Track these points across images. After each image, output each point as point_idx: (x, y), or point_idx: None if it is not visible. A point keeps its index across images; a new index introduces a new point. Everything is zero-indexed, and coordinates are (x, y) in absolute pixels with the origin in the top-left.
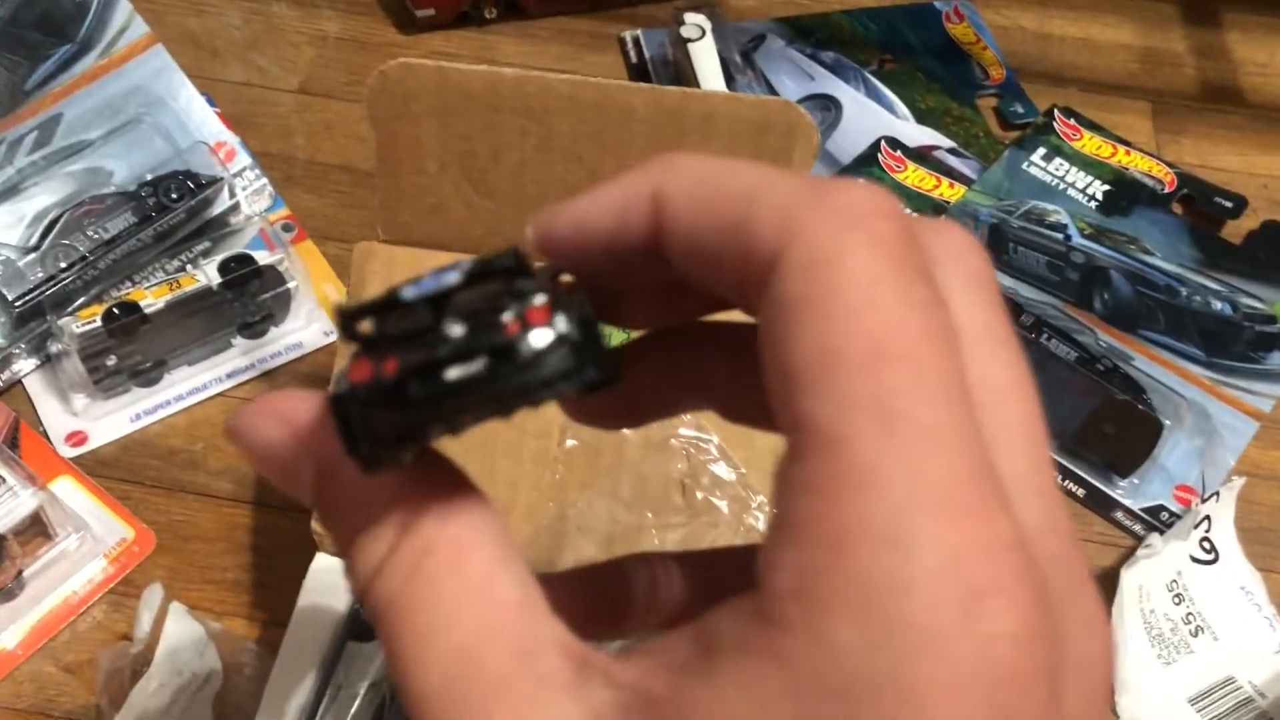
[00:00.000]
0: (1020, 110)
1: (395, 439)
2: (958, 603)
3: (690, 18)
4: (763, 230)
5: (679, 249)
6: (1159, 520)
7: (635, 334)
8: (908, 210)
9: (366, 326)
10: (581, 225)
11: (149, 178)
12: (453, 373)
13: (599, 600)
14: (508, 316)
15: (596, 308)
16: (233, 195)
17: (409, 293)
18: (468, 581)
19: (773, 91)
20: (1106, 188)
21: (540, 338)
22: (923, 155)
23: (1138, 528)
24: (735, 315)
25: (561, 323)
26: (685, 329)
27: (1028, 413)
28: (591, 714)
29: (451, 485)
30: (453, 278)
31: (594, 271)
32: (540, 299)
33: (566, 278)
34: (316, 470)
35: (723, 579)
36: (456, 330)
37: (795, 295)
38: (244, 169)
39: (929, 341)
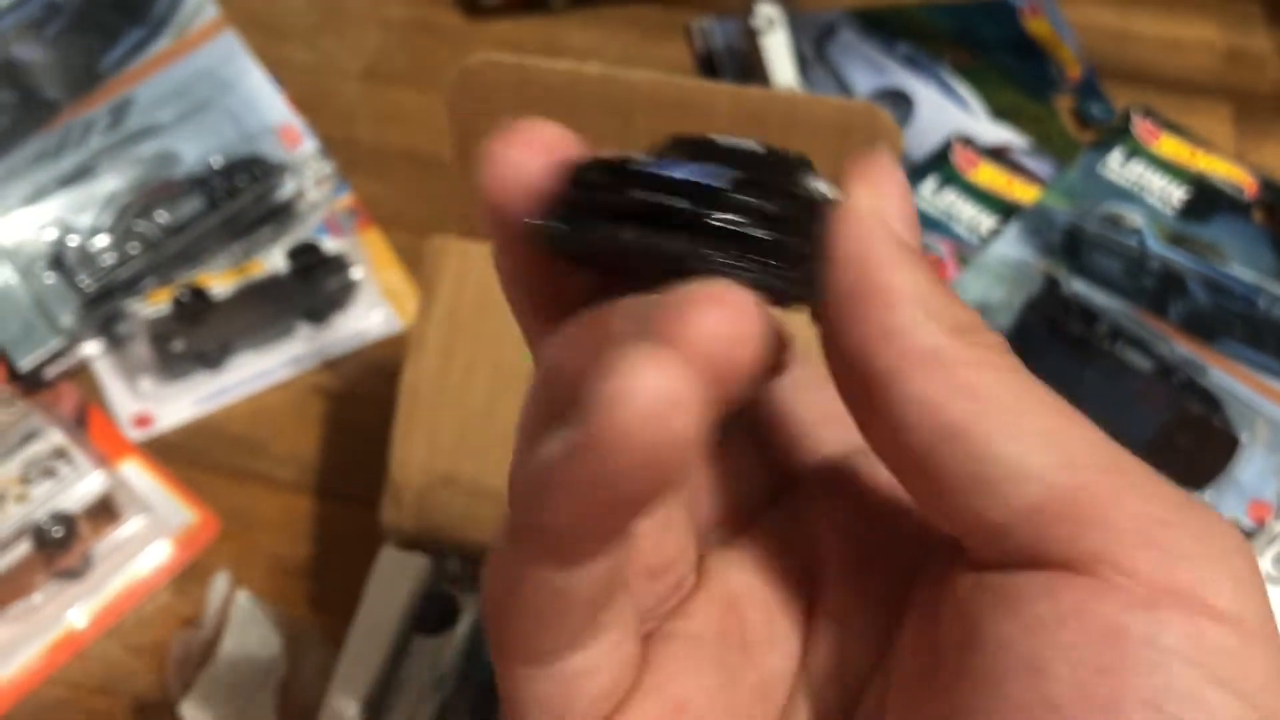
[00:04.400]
0: (1097, 110)
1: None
2: None
3: (761, 8)
4: None
5: None
6: None
7: None
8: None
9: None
10: None
11: (218, 163)
12: (719, 217)
13: None
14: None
15: None
16: (299, 181)
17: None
18: None
19: (844, 85)
20: (1185, 193)
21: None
22: (997, 154)
23: None
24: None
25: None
26: None
27: None
28: None
29: None
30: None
31: None
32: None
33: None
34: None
35: None
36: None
37: None
38: (310, 154)
39: None
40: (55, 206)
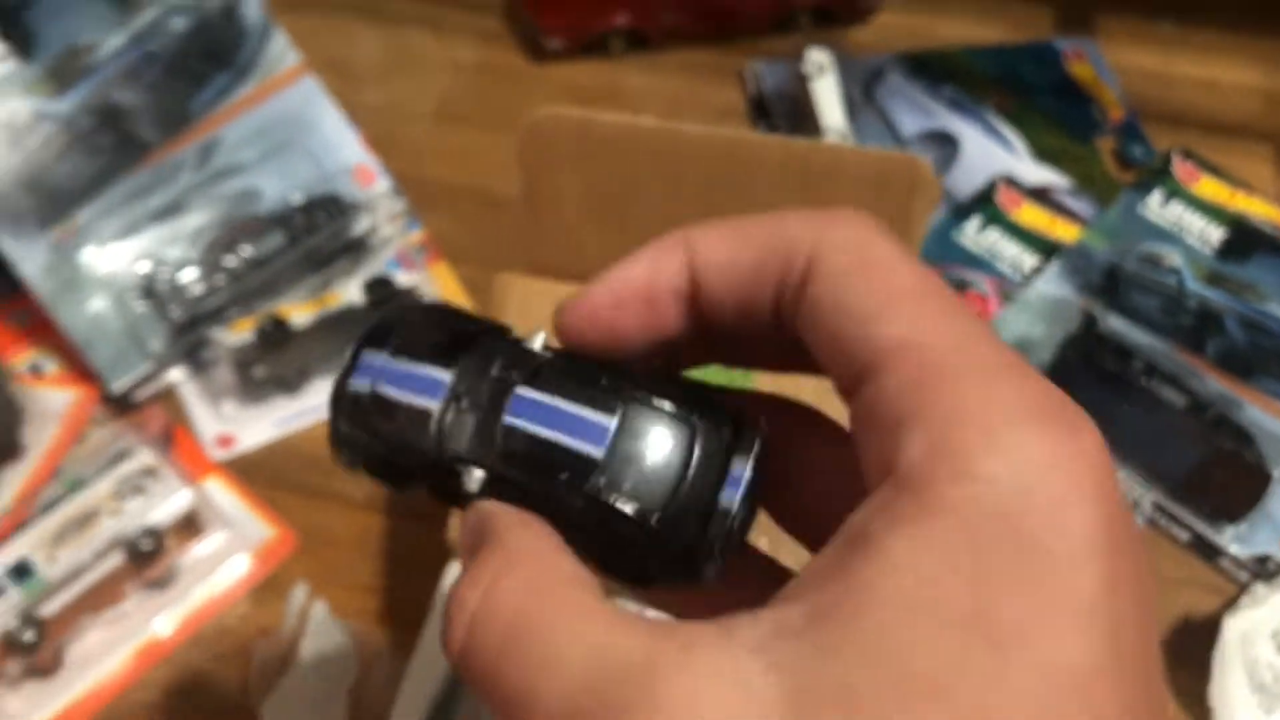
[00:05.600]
0: (1139, 152)
1: None
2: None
3: (811, 53)
4: (797, 233)
5: (715, 281)
6: (1265, 569)
7: None
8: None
9: None
10: (614, 297)
11: (298, 200)
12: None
13: None
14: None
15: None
16: (373, 218)
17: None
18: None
19: (891, 127)
20: (1224, 233)
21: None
22: (1039, 194)
23: (1243, 575)
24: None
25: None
26: None
27: None
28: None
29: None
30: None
31: (620, 348)
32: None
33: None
34: None
35: None
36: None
37: (845, 264)
38: (383, 192)
39: (942, 287)
40: (147, 240)
